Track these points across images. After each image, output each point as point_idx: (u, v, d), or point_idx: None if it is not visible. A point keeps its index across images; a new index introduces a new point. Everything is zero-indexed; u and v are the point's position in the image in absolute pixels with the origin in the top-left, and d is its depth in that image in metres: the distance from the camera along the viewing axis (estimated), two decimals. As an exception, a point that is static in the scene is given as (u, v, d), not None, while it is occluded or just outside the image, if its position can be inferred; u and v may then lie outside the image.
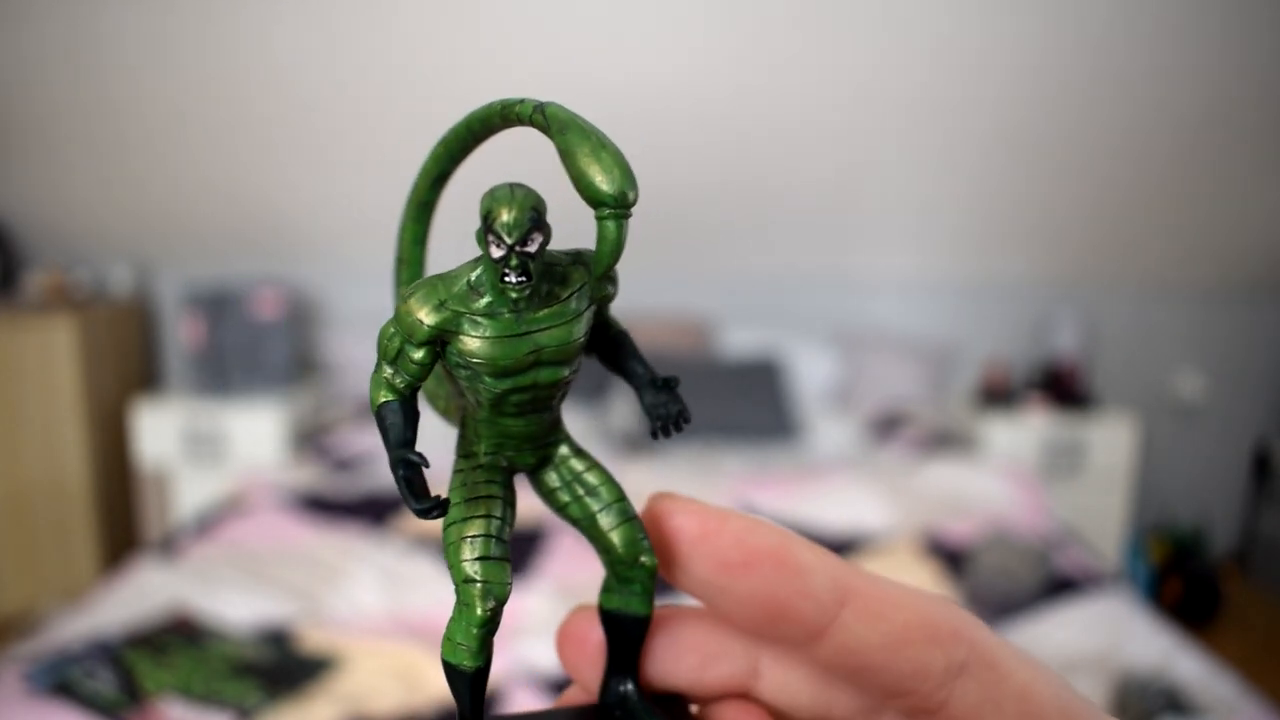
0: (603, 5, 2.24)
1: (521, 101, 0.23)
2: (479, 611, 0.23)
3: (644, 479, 2.36)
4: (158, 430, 2.83)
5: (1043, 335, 3.16)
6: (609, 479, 0.26)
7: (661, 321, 3.04)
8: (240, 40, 2.36)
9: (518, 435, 0.25)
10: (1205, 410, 3.29)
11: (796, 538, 0.23)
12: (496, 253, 0.22)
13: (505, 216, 0.21)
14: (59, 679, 1.40)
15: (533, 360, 0.23)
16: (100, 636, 1.54)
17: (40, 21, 2.33)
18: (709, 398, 2.71)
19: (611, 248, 0.22)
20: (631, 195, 0.22)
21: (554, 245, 0.23)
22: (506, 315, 0.23)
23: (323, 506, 2.18)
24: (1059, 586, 1.83)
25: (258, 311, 2.90)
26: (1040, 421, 2.86)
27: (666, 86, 2.45)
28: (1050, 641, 1.66)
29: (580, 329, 0.24)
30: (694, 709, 0.26)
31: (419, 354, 0.23)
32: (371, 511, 2.15)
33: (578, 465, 0.26)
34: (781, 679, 0.25)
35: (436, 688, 1.46)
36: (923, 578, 1.88)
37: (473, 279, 0.23)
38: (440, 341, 0.23)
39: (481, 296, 0.23)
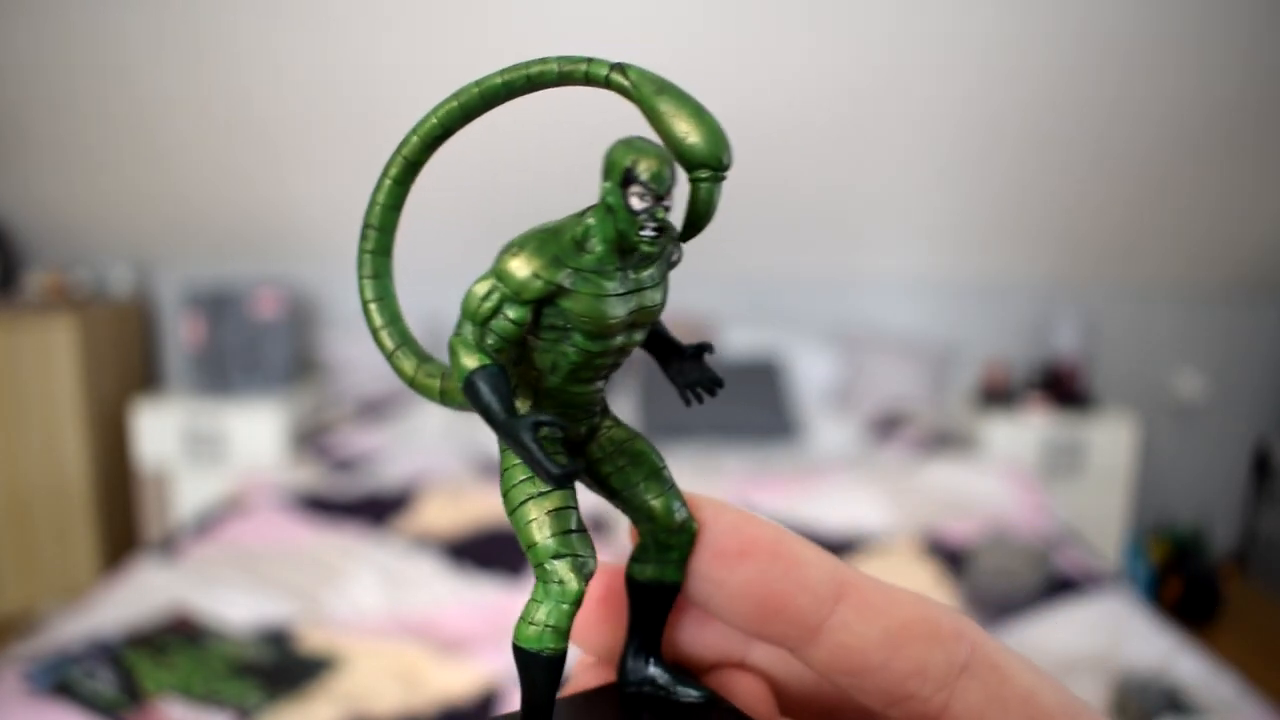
0: (602, 7, 2.24)
1: (590, 61, 0.23)
2: (574, 586, 0.21)
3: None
4: (158, 430, 2.83)
5: (1043, 335, 3.16)
6: (651, 448, 0.25)
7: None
8: (240, 40, 2.36)
9: (580, 404, 0.24)
10: (1205, 410, 3.29)
11: (791, 533, 0.23)
12: (639, 205, 0.21)
13: (656, 168, 0.21)
14: (59, 679, 1.40)
15: (631, 320, 0.22)
16: (100, 636, 1.54)
17: (40, 21, 2.33)
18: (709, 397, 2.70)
19: (705, 209, 0.22)
20: (727, 157, 0.22)
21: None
22: (613, 273, 0.22)
23: (322, 506, 2.18)
24: (1059, 586, 1.83)
25: (258, 311, 2.90)
26: (1040, 421, 2.86)
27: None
28: (1050, 641, 1.66)
29: (666, 292, 0.23)
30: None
31: (518, 313, 0.22)
32: (371, 511, 2.15)
33: (620, 434, 0.25)
34: (777, 654, 0.25)
35: (436, 688, 1.46)
36: (923, 578, 1.88)
37: (579, 234, 0.21)
38: (545, 300, 0.22)
39: (588, 252, 0.21)
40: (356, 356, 3.06)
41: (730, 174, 0.24)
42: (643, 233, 0.21)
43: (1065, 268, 3.12)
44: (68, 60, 2.45)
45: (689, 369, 0.25)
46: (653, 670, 0.24)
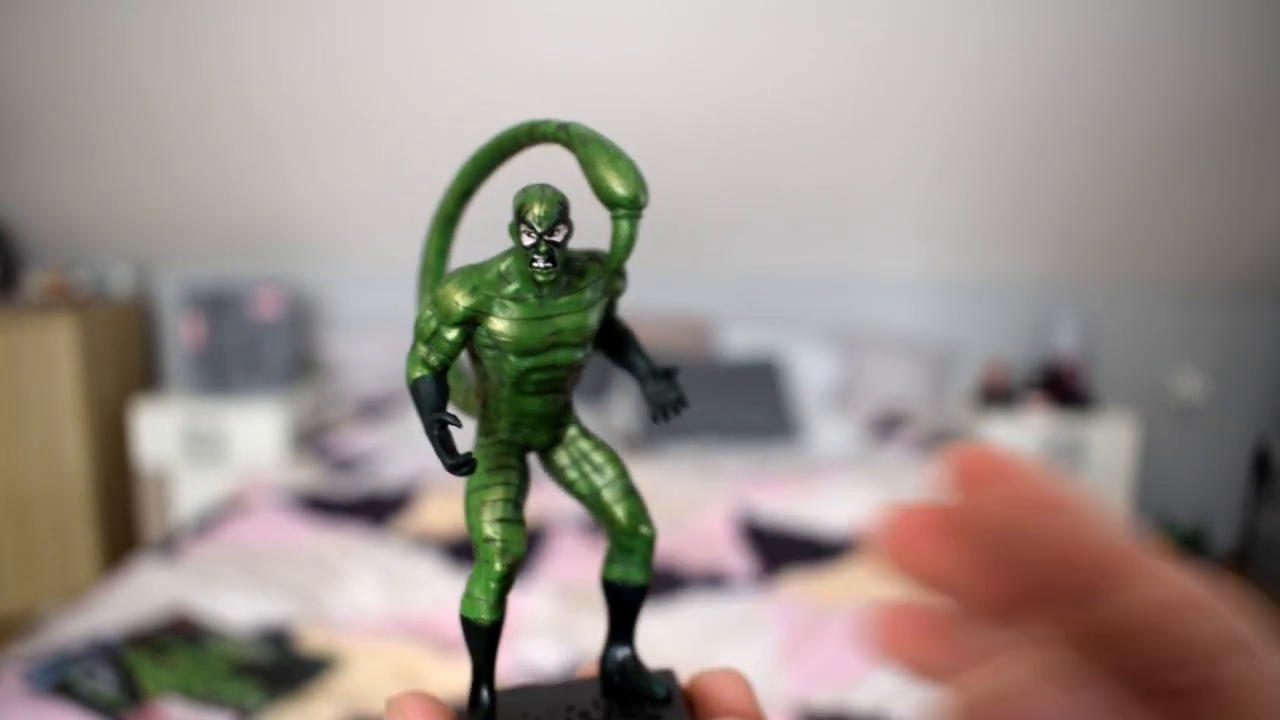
0: (604, 7, 2.24)
1: (546, 122, 0.27)
2: (498, 567, 0.25)
3: (644, 478, 2.36)
4: (158, 430, 2.83)
5: (1043, 335, 3.16)
6: (614, 457, 0.29)
7: (661, 321, 3.03)
8: (240, 40, 2.36)
9: (534, 414, 0.27)
10: (1205, 410, 3.29)
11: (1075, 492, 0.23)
12: (527, 241, 0.24)
13: (537, 210, 0.24)
14: (59, 679, 1.40)
15: (552, 341, 0.26)
16: (100, 636, 1.54)
17: (40, 21, 2.33)
18: (709, 398, 2.70)
19: (625, 244, 0.25)
20: (643, 198, 0.25)
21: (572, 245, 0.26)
22: (531, 300, 0.26)
23: (322, 506, 2.18)
24: (1059, 586, 1.82)
25: (258, 311, 2.90)
26: (1040, 421, 2.86)
27: (667, 87, 2.45)
28: (1050, 641, 1.65)
29: (594, 316, 0.27)
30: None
31: (452, 334, 0.26)
32: (371, 511, 2.15)
33: (585, 445, 0.29)
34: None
35: (436, 688, 1.46)
36: (923, 578, 1.88)
37: (503, 268, 0.26)
38: (472, 323, 0.26)
39: (510, 283, 0.26)
40: (356, 356, 3.07)
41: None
42: (534, 264, 0.25)
43: (1065, 268, 3.12)
44: (68, 60, 2.45)
45: (661, 389, 0.29)
46: (626, 663, 0.28)
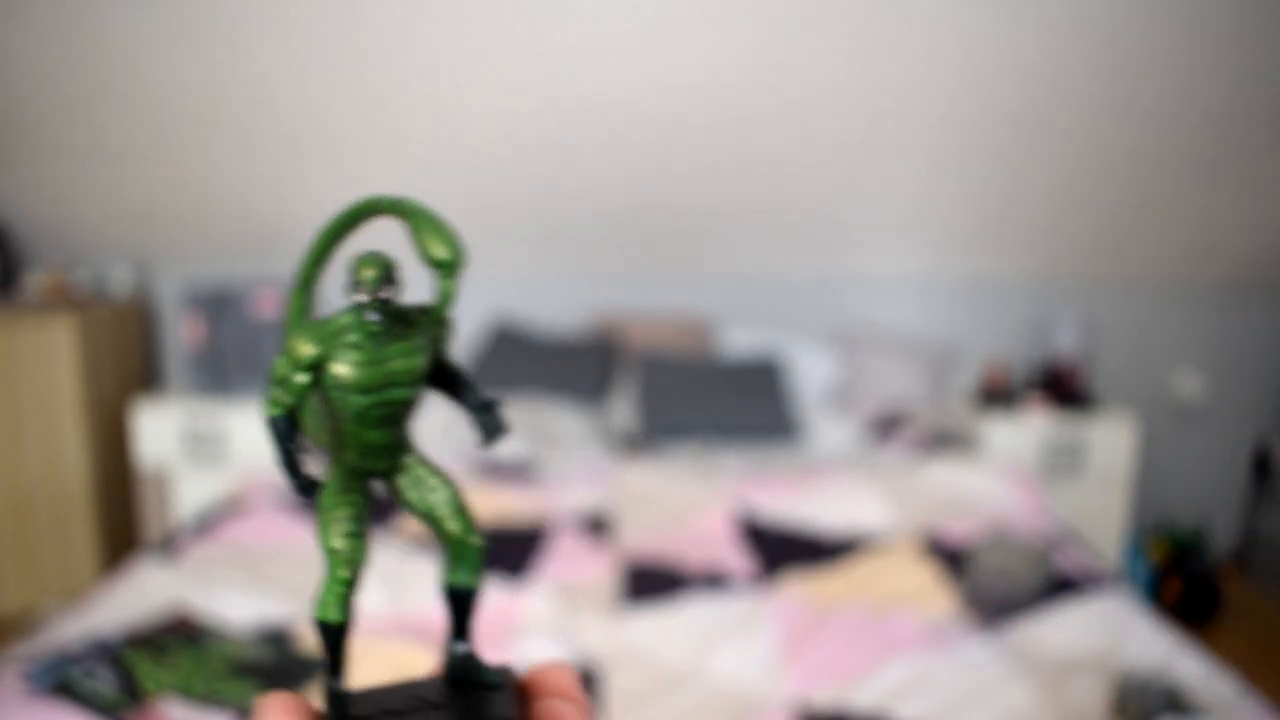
0: (602, 8, 2.24)
1: (382, 199, 0.31)
2: (342, 574, 0.30)
3: (644, 478, 2.36)
4: (158, 430, 2.83)
5: (1043, 335, 3.16)
6: (446, 481, 0.33)
7: (661, 321, 3.03)
8: (240, 41, 2.36)
9: (376, 444, 0.32)
10: (1205, 410, 3.29)
11: None
12: (361, 298, 0.29)
13: (368, 273, 0.29)
14: (59, 679, 1.40)
15: (387, 381, 0.30)
16: (100, 636, 1.54)
17: (40, 21, 2.33)
18: (709, 398, 2.70)
19: (446, 298, 0.31)
20: (460, 260, 0.30)
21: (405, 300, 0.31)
22: (367, 347, 0.30)
23: (323, 506, 2.18)
24: (1059, 586, 1.83)
25: (258, 311, 2.90)
26: (1040, 421, 2.85)
27: (667, 87, 2.45)
28: (1050, 641, 1.66)
29: (422, 360, 0.31)
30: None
31: (301, 378, 0.30)
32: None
33: (421, 471, 0.33)
34: None
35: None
36: (923, 578, 1.88)
37: (344, 321, 0.30)
38: (318, 368, 0.30)
39: (350, 334, 0.30)
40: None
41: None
42: (366, 318, 0.29)
43: (1065, 268, 3.12)
44: (68, 61, 2.45)
45: (487, 419, 0.33)
46: (465, 657, 0.33)
